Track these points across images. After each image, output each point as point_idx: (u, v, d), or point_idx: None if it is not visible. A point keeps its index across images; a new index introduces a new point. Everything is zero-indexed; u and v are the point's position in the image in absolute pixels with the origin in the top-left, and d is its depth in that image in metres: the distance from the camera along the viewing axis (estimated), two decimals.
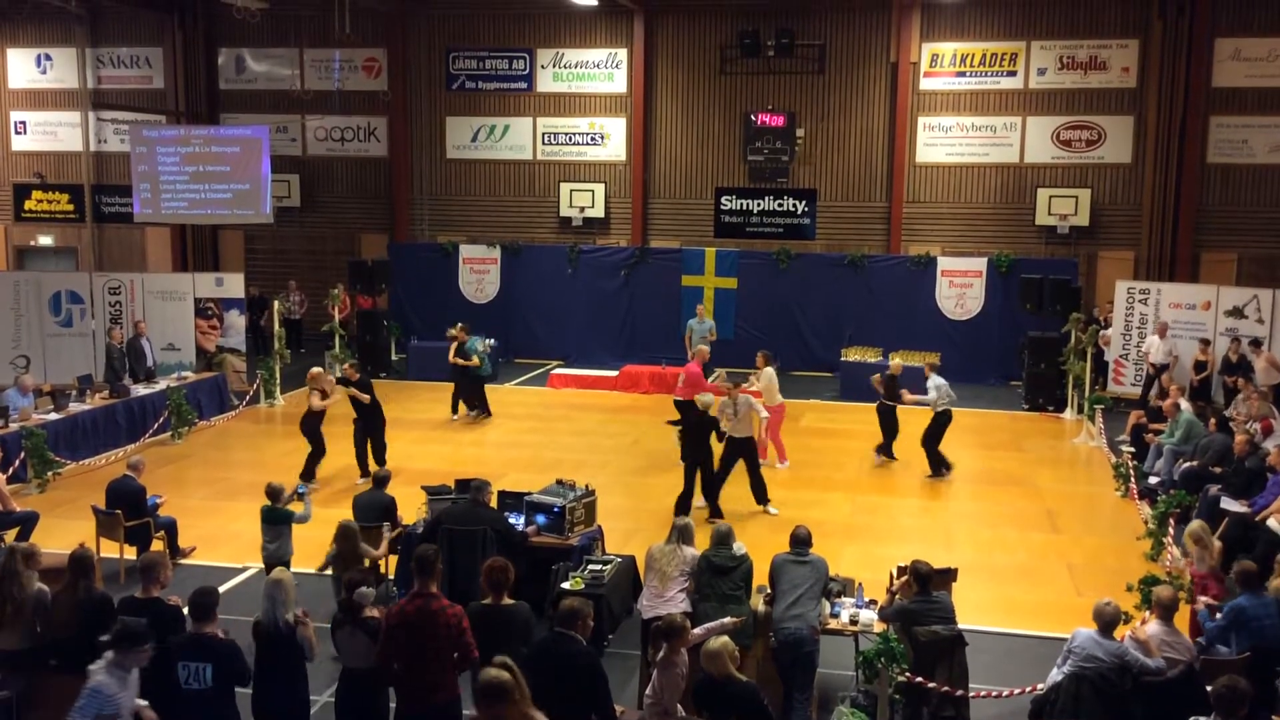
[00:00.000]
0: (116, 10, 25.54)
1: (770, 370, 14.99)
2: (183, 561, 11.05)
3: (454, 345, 17.69)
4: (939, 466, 14.54)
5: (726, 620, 7.65)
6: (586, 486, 10.50)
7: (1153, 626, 7.52)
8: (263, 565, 9.57)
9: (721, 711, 6.29)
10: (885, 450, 15.34)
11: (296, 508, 9.71)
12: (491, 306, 23.23)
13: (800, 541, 8.28)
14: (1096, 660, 7.22)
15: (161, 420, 16.32)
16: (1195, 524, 8.88)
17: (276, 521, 9.49)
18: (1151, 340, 18.47)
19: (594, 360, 22.15)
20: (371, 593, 7.00)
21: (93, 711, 6.03)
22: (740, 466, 12.99)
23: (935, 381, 14.56)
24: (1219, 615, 8.30)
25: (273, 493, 9.57)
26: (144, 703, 6.43)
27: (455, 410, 17.84)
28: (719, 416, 12.85)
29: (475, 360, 17.65)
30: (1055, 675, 7.47)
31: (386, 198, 25.55)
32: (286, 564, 9.32)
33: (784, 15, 22.95)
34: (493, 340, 19.52)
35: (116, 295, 19.47)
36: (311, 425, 13.92)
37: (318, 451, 13.95)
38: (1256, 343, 17.47)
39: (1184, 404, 14.75)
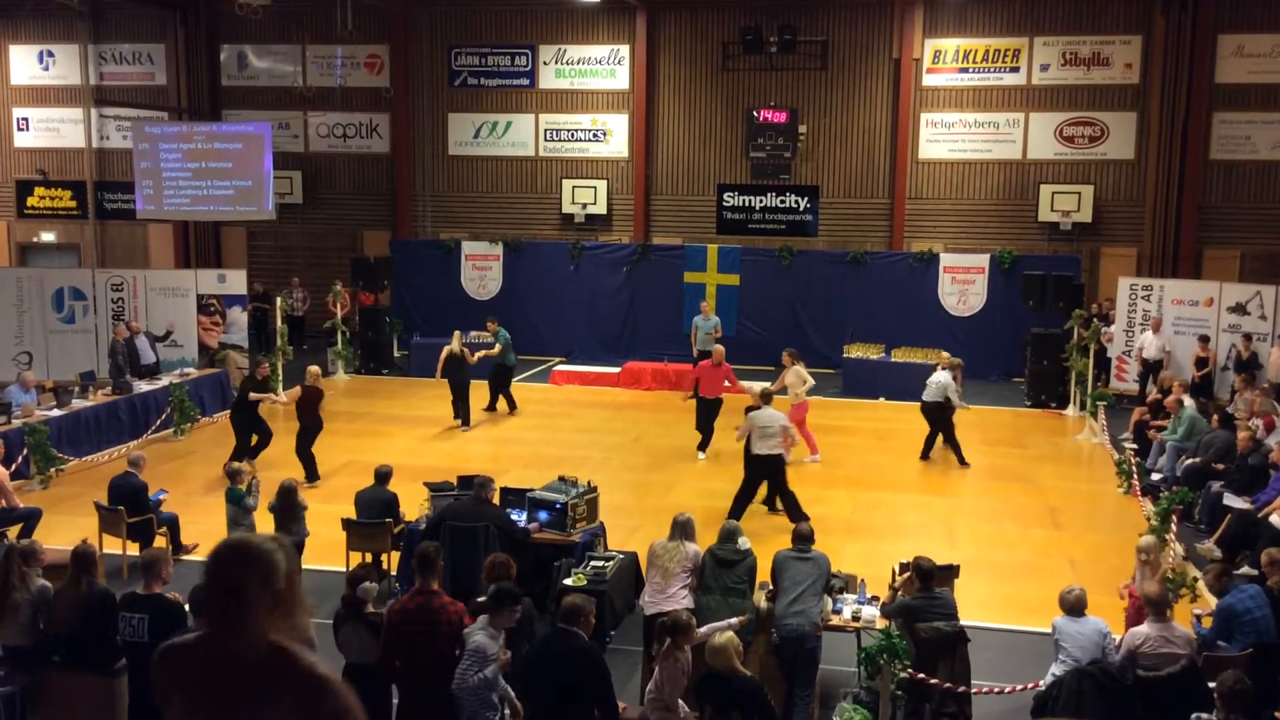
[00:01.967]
0: (119, 7, 25.56)
1: (798, 368, 15.05)
2: (184, 558, 11.08)
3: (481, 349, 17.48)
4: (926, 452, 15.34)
5: (733, 620, 7.68)
6: (589, 483, 10.50)
7: (1146, 626, 7.51)
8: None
9: (725, 706, 6.30)
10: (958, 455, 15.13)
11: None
12: (494, 303, 23.19)
13: (802, 538, 8.29)
14: (1076, 639, 7.34)
15: (164, 417, 16.34)
16: (1148, 538, 8.78)
17: (233, 501, 10.26)
18: (1145, 336, 18.46)
19: (596, 357, 22.14)
20: (374, 588, 7.01)
21: (476, 669, 6.42)
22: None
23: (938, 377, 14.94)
24: (1209, 621, 8.31)
25: (230, 473, 10.49)
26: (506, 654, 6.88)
27: (504, 406, 17.69)
28: (747, 433, 12.40)
29: (498, 348, 17.47)
30: (1055, 669, 7.51)
31: (389, 194, 25.55)
32: None
33: (786, 11, 22.92)
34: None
35: (119, 292, 19.49)
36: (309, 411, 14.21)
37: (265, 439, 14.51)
38: None
39: (1187, 400, 14.75)
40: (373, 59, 25.25)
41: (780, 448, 12.20)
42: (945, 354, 16.31)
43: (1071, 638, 7.43)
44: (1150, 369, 18.03)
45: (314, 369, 14.63)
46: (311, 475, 13.79)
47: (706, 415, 15.32)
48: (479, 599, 7.01)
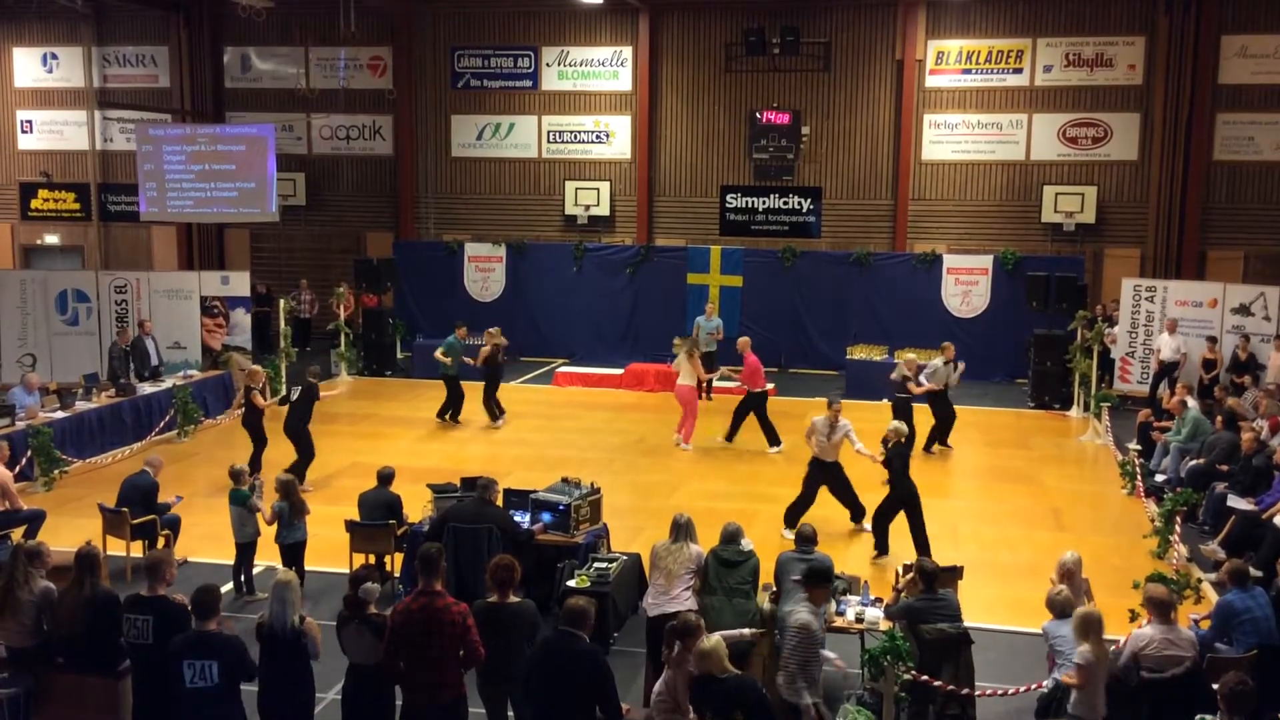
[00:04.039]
0: (122, 9, 25.58)
1: (684, 356, 16.05)
2: (188, 559, 11.07)
3: (485, 350, 17.24)
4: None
5: (745, 631, 7.69)
6: (592, 484, 10.50)
7: (1149, 629, 7.48)
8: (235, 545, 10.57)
9: (723, 707, 6.28)
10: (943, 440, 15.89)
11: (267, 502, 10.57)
12: (497, 305, 23.24)
13: (806, 539, 8.29)
14: (1071, 640, 7.35)
15: (167, 419, 16.35)
16: (1068, 555, 8.78)
17: (237, 502, 10.33)
18: (1162, 337, 18.42)
19: (599, 358, 22.14)
20: (376, 589, 7.00)
21: (810, 646, 7.04)
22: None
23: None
24: (1208, 624, 8.30)
25: (233, 475, 10.47)
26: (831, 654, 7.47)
27: (495, 415, 17.28)
28: (809, 437, 12.24)
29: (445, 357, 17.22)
30: (1056, 673, 7.49)
31: (392, 196, 25.56)
32: (253, 543, 10.41)
33: (789, 13, 22.92)
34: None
35: (123, 294, 19.51)
36: (253, 421, 14.04)
37: (261, 447, 14.10)
38: None
39: (1191, 402, 14.73)
40: (375, 61, 25.27)
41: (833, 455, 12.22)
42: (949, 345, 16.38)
43: (1067, 640, 7.40)
44: (1166, 370, 18.01)
45: (258, 369, 14.81)
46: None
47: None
48: (489, 599, 7.00)
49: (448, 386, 17.37)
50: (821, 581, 7.31)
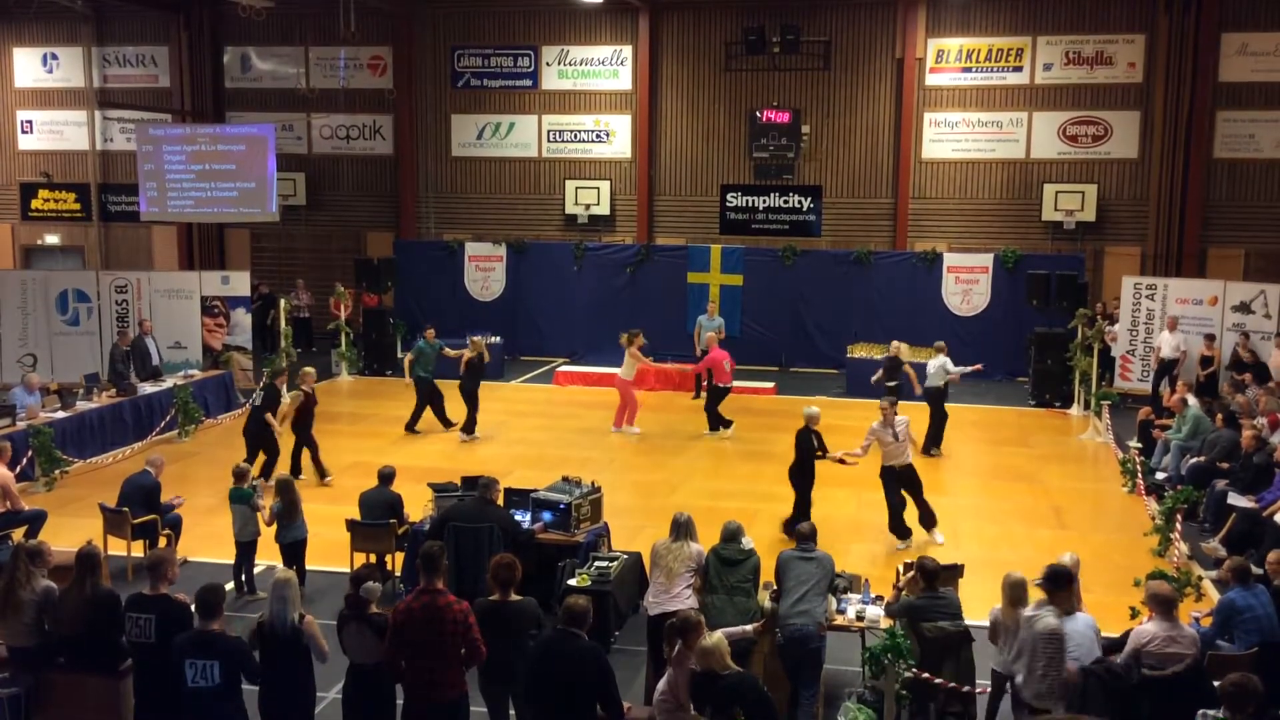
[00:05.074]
0: (122, 9, 25.58)
1: (634, 349, 16.89)
2: (188, 559, 11.08)
3: (467, 354, 16.75)
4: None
5: (748, 628, 7.69)
6: (592, 483, 10.51)
7: (1151, 625, 7.48)
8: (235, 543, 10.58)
9: (724, 704, 6.28)
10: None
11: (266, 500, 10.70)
12: (497, 304, 23.27)
13: (806, 537, 8.28)
14: (1072, 637, 7.35)
15: (168, 418, 16.35)
16: (1065, 557, 8.75)
17: (239, 500, 10.37)
18: (1163, 335, 18.40)
19: (600, 357, 22.13)
20: (378, 588, 7.01)
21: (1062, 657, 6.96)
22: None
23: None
24: (1208, 621, 8.30)
25: (237, 473, 10.56)
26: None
27: (468, 429, 16.54)
28: (879, 443, 11.94)
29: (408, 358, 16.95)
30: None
31: (392, 196, 25.56)
32: (253, 542, 10.43)
33: (789, 11, 22.90)
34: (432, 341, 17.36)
35: (123, 294, 19.52)
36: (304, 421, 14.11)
37: (311, 447, 14.20)
38: None
39: (1191, 399, 14.73)
40: (376, 60, 25.27)
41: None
42: (940, 343, 16.49)
43: (1070, 637, 7.39)
44: (1166, 368, 18.01)
45: (309, 370, 14.73)
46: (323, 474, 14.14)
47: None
48: (490, 598, 7.00)
49: (420, 391, 16.74)
50: (1064, 584, 7.11)
